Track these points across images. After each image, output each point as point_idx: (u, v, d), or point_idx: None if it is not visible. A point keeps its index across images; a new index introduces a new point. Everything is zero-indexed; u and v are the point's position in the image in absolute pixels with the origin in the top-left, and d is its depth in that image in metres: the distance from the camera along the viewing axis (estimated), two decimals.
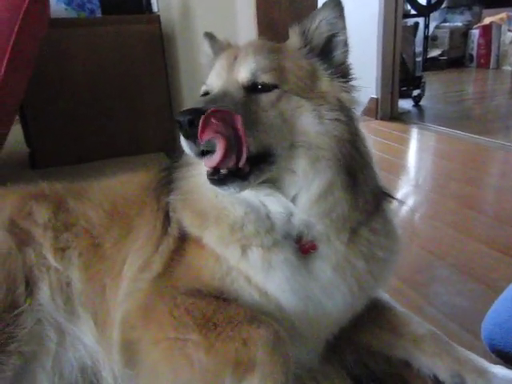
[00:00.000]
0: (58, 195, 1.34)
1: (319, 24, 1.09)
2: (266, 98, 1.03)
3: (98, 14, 3.48)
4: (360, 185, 1.07)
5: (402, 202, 1.32)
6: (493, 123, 4.63)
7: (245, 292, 1.09)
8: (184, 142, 0.95)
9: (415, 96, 5.46)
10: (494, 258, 2.02)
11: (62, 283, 1.18)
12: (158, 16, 3.43)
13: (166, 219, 1.23)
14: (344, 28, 1.09)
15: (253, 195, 1.06)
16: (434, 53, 8.29)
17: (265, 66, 1.05)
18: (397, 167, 3.51)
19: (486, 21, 8.13)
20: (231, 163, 0.92)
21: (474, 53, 8.28)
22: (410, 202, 2.79)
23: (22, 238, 1.21)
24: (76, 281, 1.19)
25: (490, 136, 3.99)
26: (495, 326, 1.32)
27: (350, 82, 1.12)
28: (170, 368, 0.99)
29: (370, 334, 1.29)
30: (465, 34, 8.40)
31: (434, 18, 8.15)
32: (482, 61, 8.16)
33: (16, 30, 2.14)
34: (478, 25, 8.26)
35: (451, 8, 8.62)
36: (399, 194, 2.89)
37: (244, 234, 1.08)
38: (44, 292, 1.16)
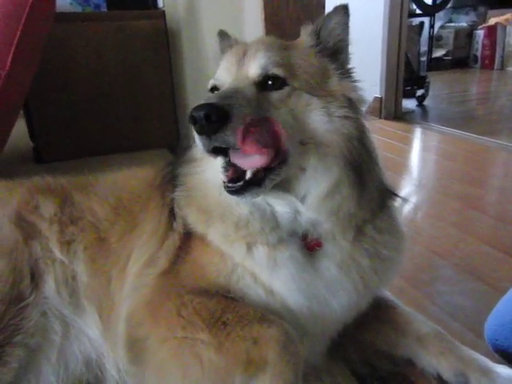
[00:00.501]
0: (63, 189, 1.35)
1: (333, 26, 1.11)
2: (277, 95, 1.03)
3: (104, 8, 3.48)
4: (366, 182, 1.07)
5: (406, 200, 1.32)
6: (496, 124, 4.62)
7: (251, 290, 1.09)
8: (197, 139, 0.95)
9: (419, 96, 5.45)
10: (497, 258, 2.02)
11: (68, 276, 1.19)
12: (163, 11, 3.42)
13: (171, 215, 1.23)
14: (348, 34, 1.13)
15: (260, 197, 1.06)
16: (438, 53, 8.27)
17: (275, 61, 1.05)
18: (400, 167, 3.50)
19: (491, 21, 8.09)
20: (264, 164, 0.92)
21: (479, 53, 8.25)
22: (413, 201, 2.79)
23: (29, 232, 1.22)
24: (81, 274, 1.20)
25: (493, 137, 3.99)
26: (499, 325, 1.32)
27: (356, 83, 1.14)
28: (179, 367, 0.99)
29: (373, 333, 1.29)
30: (469, 34, 8.37)
31: (439, 18, 8.12)
32: (487, 62, 8.13)
33: (22, 24, 2.14)
34: (483, 25, 8.23)
35: (456, 8, 8.59)
36: (402, 194, 2.89)
37: (249, 231, 1.08)
38: (49, 285, 1.17)
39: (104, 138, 3.37)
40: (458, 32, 8.38)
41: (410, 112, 5.20)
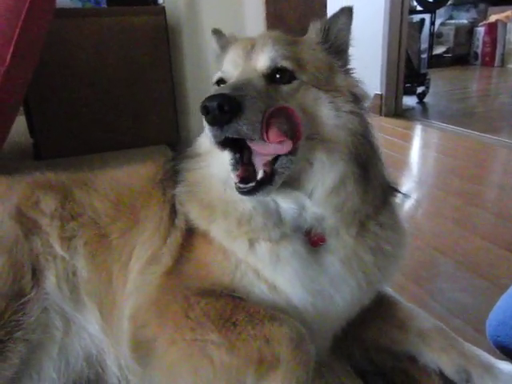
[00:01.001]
0: (64, 185, 1.34)
1: (340, 26, 1.14)
2: (286, 89, 1.04)
3: (103, 4, 3.46)
4: (371, 178, 1.07)
5: (407, 196, 1.32)
6: (496, 121, 4.63)
7: (255, 287, 1.09)
8: (208, 130, 0.94)
9: (419, 93, 5.45)
10: (498, 255, 2.02)
11: (68, 272, 1.18)
12: (163, 7, 3.40)
13: (173, 211, 1.23)
14: (350, 36, 1.17)
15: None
16: (438, 50, 8.26)
17: (284, 54, 1.06)
18: (400, 163, 3.51)
19: (492, 18, 8.09)
20: (286, 151, 0.93)
21: (479, 50, 8.25)
22: (414, 198, 2.79)
23: (29, 227, 1.21)
24: (82, 270, 1.19)
25: (493, 134, 3.99)
26: (500, 322, 1.32)
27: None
28: (190, 369, 0.99)
29: (375, 329, 1.28)
30: (470, 31, 8.37)
31: (440, 15, 8.11)
32: (487, 59, 8.13)
33: (21, 19, 2.12)
34: (484, 22, 8.22)
35: (457, 5, 8.58)
36: (403, 190, 2.89)
37: (251, 227, 1.07)
38: (50, 281, 1.16)
39: (104, 135, 3.35)
40: (458, 29, 8.38)
41: (411, 109, 5.20)
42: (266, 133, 0.91)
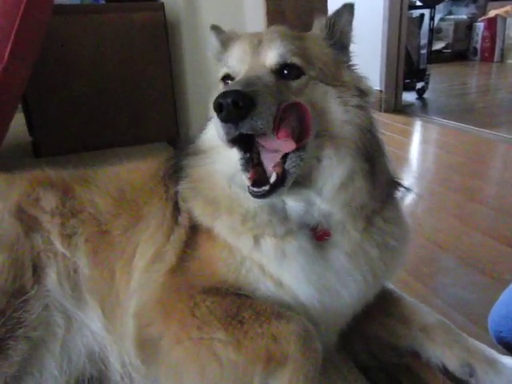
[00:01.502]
0: (64, 182, 1.33)
1: (344, 22, 1.15)
2: (295, 84, 1.04)
3: (102, 0, 3.44)
4: (377, 173, 1.07)
5: (410, 190, 1.32)
6: (496, 117, 4.62)
7: (260, 284, 1.08)
8: (221, 127, 0.92)
9: (419, 89, 5.44)
10: (499, 250, 2.02)
11: (70, 269, 1.18)
12: (162, 3, 3.38)
13: (176, 208, 1.22)
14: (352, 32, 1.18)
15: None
16: (437, 45, 8.24)
17: (292, 50, 1.05)
18: (400, 159, 3.50)
19: (491, 13, 8.07)
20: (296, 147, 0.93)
21: (479, 46, 8.23)
22: (414, 193, 2.79)
23: (30, 225, 1.20)
24: (83, 267, 1.19)
25: (493, 129, 3.99)
26: (502, 317, 1.31)
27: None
28: (197, 367, 0.99)
29: (378, 324, 1.28)
30: (469, 26, 8.34)
31: (439, 11, 8.08)
32: (486, 54, 8.11)
33: (20, 16, 2.11)
34: (483, 18, 8.20)
35: (456, 0, 8.55)
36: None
37: (256, 223, 1.07)
38: (51, 278, 1.15)
39: (103, 132, 3.35)
40: (457, 24, 8.35)
41: (410, 105, 5.19)
42: (278, 128, 0.91)
